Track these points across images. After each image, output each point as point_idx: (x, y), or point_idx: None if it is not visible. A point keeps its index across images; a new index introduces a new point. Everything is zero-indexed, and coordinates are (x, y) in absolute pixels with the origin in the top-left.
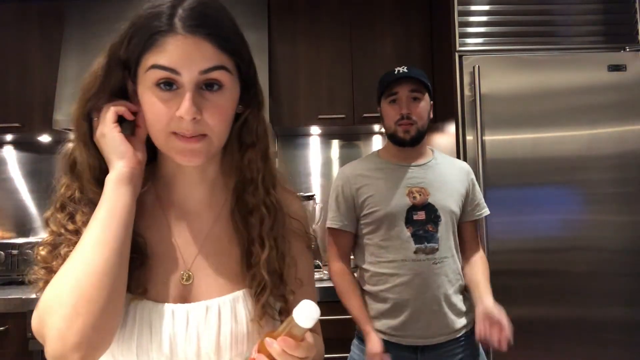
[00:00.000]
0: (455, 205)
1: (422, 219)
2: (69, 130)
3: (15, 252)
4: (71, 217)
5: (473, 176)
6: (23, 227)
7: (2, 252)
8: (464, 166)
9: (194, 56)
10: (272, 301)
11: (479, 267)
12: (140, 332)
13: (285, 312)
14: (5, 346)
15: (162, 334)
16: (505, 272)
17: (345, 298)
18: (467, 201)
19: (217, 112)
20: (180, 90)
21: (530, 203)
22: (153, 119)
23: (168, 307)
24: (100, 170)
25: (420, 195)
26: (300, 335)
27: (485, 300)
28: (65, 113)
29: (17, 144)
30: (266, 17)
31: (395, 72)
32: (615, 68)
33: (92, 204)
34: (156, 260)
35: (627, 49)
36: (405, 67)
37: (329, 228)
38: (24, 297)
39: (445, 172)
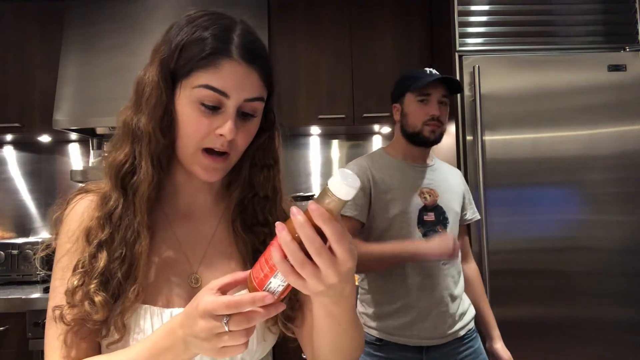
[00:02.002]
0: (458, 207)
1: (432, 220)
2: (69, 130)
3: (15, 252)
4: (100, 246)
5: (465, 181)
6: (23, 227)
7: (2, 252)
8: (458, 171)
9: (244, 84)
10: None
11: (480, 291)
12: None
13: (292, 319)
14: (5, 346)
15: None
16: (505, 272)
17: (373, 256)
18: (463, 205)
19: (246, 135)
20: (222, 110)
21: (530, 203)
22: (190, 131)
23: (179, 312)
24: (160, 187)
25: (430, 196)
26: (337, 214)
27: (495, 342)
28: (65, 113)
29: (17, 144)
30: (266, 17)
31: (428, 72)
32: (615, 68)
33: (130, 232)
34: (164, 268)
35: (627, 49)
36: (434, 70)
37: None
38: (24, 297)
39: (447, 175)
